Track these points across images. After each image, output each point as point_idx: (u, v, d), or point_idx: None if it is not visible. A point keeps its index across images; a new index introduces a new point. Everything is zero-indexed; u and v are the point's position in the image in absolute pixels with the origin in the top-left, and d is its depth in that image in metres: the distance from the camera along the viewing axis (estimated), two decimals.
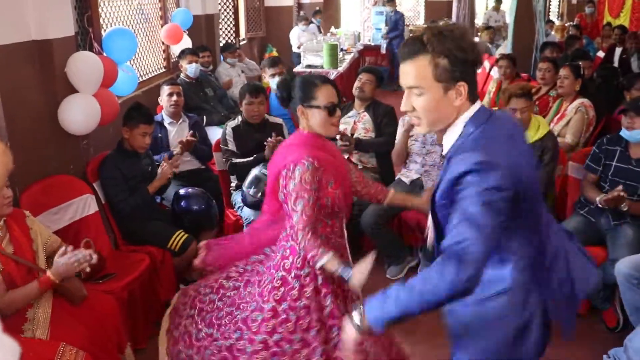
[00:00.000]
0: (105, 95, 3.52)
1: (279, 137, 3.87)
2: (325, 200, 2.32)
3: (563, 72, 4.75)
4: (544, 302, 1.74)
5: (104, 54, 3.70)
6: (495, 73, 6.53)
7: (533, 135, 3.71)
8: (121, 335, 2.91)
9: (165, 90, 4.40)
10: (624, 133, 3.51)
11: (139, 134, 3.59)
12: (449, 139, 1.70)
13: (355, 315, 1.69)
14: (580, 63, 5.06)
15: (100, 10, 4.24)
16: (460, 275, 1.52)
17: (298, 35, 9.90)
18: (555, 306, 1.77)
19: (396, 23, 10.55)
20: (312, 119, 2.39)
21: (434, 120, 1.68)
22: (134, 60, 4.99)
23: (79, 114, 3.31)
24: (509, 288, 1.71)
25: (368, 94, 4.44)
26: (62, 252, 2.55)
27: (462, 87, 1.63)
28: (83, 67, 3.31)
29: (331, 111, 2.38)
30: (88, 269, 2.60)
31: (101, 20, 4.28)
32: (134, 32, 5.02)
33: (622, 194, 3.34)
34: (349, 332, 1.72)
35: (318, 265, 2.23)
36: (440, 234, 1.76)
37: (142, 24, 5.33)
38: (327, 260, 2.20)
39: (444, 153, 1.73)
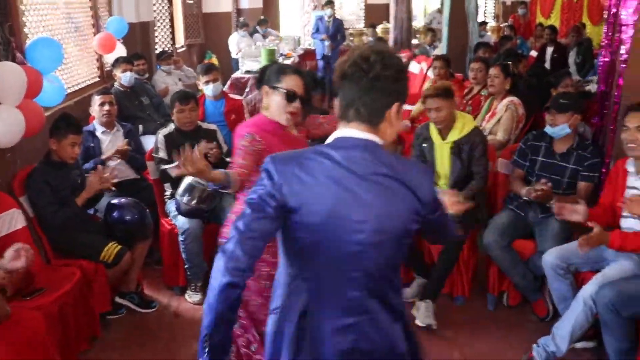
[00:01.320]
0: (30, 107, 3.42)
1: (210, 143, 3.86)
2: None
3: (493, 71, 4.87)
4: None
5: (28, 64, 3.60)
6: (432, 74, 6.66)
7: (459, 133, 3.78)
8: (49, 353, 2.82)
9: (97, 100, 4.33)
10: (547, 129, 3.64)
11: (67, 145, 3.52)
12: None
13: None
14: (509, 62, 5.21)
15: (24, 19, 4.13)
16: None
17: (237, 42, 9.83)
18: None
19: (337, 29, 10.32)
20: (272, 101, 2.54)
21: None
22: (64, 70, 4.87)
23: (1, 126, 3.20)
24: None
25: None
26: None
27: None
28: (4, 77, 3.20)
29: (289, 98, 2.50)
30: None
31: (26, 30, 4.16)
32: (64, 41, 4.91)
33: (545, 187, 3.44)
34: None
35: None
36: None
37: (72, 33, 5.20)
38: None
39: None
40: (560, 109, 3.56)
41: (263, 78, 2.62)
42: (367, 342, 1.67)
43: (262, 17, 11.04)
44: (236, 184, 2.39)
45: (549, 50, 8.58)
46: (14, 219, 3.36)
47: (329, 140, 1.68)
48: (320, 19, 10.43)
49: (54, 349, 2.88)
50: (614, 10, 3.56)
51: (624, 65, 3.49)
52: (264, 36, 10.44)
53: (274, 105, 2.55)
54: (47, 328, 2.91)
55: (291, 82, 2.53)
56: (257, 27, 10.62)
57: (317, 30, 10.46)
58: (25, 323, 2.73)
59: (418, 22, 14.12)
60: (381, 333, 1.68)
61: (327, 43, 10.13)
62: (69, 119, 3.59)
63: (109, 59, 5.75)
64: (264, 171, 1.63)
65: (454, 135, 3.78)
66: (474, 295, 3.91)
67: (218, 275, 1.57)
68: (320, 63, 10.40)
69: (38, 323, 2.82)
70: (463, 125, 3.79)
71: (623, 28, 3.47)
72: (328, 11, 10.54)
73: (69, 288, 3.24)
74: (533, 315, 3.70)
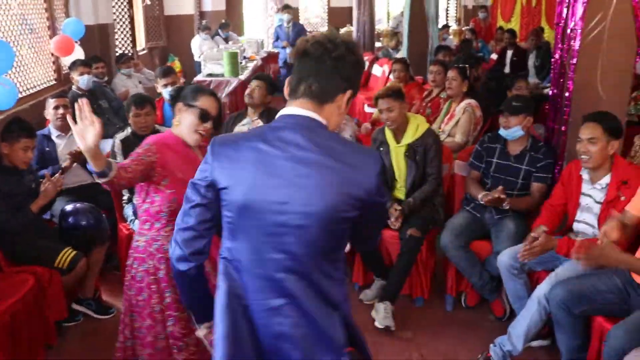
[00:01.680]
0: None
1: None
2: (154, 196, 2.48)
3: (451, 74, 4.93)
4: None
5: None
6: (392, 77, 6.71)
7: (412, 135, 3.81)
8: None
9: (51, 103, 4.26)
10: (501, 131, 3.70)
11: (20, 149, 3.45)
12: None
13: None
14: (467, 65, 5.29)
15: None
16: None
17: (199, 44, 9.75)
18: None
19: (298, 35, 9.89)
20: (184, 119, 2.52)
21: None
22: (17, 73, 4.78)
23: None
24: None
25: (257, 100, 4.46)
26: None
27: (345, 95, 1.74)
28: None
29: (203, 117, 2.49)
30: None
31: None
32: (17, 43, 4.81)
33: (502, 195, 3.51)
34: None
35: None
36: None
37: (27, 35, 5.10)
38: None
39: None
40: (513, 111, 3.62)
41: (179, 95, 2.59)
42: (294, 328, 1.66)
43: (223, 21, 10.94)
44: (114, 174, 2.26)
45: (509, 53, 8.74)
46: None
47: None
48: (280, 26, 10.37)
49: (7, 358, 2.81)
50: (563, 15, 3.64)
51: (573, 70, 3.57)
52: (226, 40, 10.37)
53: (186, 124, 2.52)
54: None
55: (208, 103, 2.52)
56: (219, 31, 10.53)
57: (277, 39, 10.44)
58: None
59: (382, 25, 14.22)
60: (310, 320, 1.65)
61: (288, 50, 9.96)
62: (22, 123, 3.52)
63: (67, 61, 5.65)
64: (208, 151, 1.71)
65: (408, 138, 3.82)
66: (433, 296, 3.94)
67: (172, 262, 1.81)
68: (283, 71, 10.38)
69: None
70: (416, 128, 3.83)
71: (571, 34, 3.55)
72: (285, 16, 10.46)
73: (20, 296, 3.15)
74: (491, 315, 3.75)
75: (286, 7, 10.58)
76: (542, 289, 3.09)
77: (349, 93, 1.69)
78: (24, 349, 3.17)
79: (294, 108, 1.67)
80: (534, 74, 8.21)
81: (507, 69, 8.43)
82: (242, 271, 1.68)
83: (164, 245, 2.50)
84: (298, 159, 1.60)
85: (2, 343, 2.96)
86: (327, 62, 1.63)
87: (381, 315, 3.56)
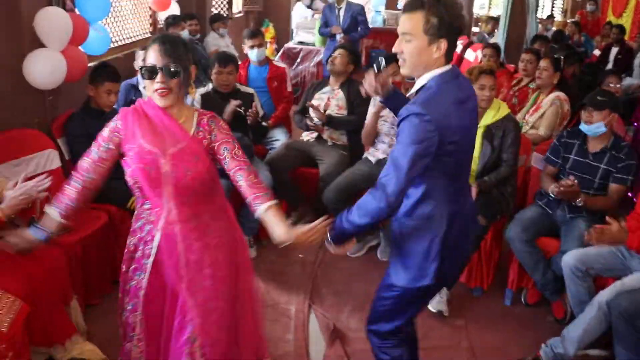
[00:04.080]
0: (74, 53, 3.54)
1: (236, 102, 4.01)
2: (126, 170, 2.20)
3: (542, 63, 4.77)
4: (446, 236, 2.15)
5: (77, 12, 3.70)
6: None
7: (494, 115, 3.72)
8: (67, 289, 2.95)
9: (140, 54, 4.39)
10: (582, 126, 3.54)
11: (104, 92, 3.62)
12: (414, 89, 2.11)
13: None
14: (561, 57, 5.07)
15: None
16: (381, 203, 2.02)
17: (300, 13, 9.75)
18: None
19: (353, 20, 7.30)
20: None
21: (415, 65, 2.06)
22: (115, 23, 4.99)
23: (45, 68, 3.33)
24: (427, 216, 2.15)
25: (339, 67, 4.47)
26: (12, 185, 2.52)
27: (443, 43, 2.01)
28: (51, 22, 3.33)
29: (146, 74, 2.09)
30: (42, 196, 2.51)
31: None
32: None
33: (572, 183, 3.36)
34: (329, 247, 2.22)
35: None
36: None
37: None
38: None
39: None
40: (597, 106, 3.45)
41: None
42: None
43: None
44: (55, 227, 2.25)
45: (614, 50, 8.29)
46: (50, 159, 3.51)
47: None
48: (329, 6, 7.49)
49: (73, 286, 2.99)
50: None
51: None
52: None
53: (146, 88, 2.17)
54: (69, 266, 3.03)
55: (149, 56, 2.10)
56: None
57: (325, 24, 7.44)
58: (46, 258, 2.84)
59: (484, 11, 13.82)
60: None
61: (339, 37, 7.16)
62: (107, 67, 3.69)
63: (163, 16, 5.84)
64: None
65: (487, 119, 3.72)
66: (492, 288, 3.85)
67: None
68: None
69: (59, 260, 2.94)
70: (497, 109, 3.73)
71: None
72: None
73: (94, 230, 3.36)
74: (550, 316, 3.63)
75: None
76: (604, 295, 2.96)
77: None
78: (94, 281, 3.40)
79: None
80: (638, 75, 7.74)
81: (609, 67, 7.99)
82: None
83: (146, 226, 2.27)
84: None
85: (75, 271, 3.16)
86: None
87: (435, 298, 3.52)
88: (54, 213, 2.22)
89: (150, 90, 2.11)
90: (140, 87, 4.43)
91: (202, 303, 2.20)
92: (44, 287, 2.75)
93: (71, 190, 2.22)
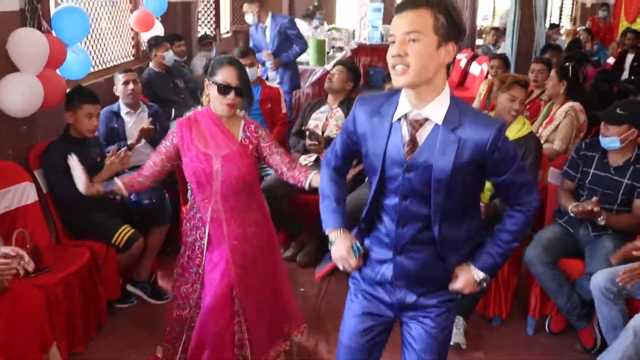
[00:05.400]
0: (51, 77, 3.53)
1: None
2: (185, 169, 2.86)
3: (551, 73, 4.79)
4: None
5: (53, 33, 3.71)
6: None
7: (518, 130, 3.72)
8: (46, 334, 2.89)
9: (120, 78, 4.39)
10: (600, 138, 3.51)
11: (83, 116, 3.60)
12: (439, 110, 1.90)
13: (475, 270, 2.09)
14: (569, 65, 5.07)
15: None
16: (530, 219, 2.07)
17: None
18: None
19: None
20: (211, 94, 2.80)
21: (421, 70, 1.83)
22: (95, 45, 5.00)
23: (19, 95, 3.32)
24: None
25: (337, 84, 4.48)
26: None
27: (452, 47, 1.86)
28: (25, 44, 3.32)
29: (222, 90, 2.74)
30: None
31: None
32: (97, 15, 5.04)
33: (595, 208, 3.32)
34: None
35: None
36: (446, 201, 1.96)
37: (108, 7, 5.33)
38: None
39: (438, 122, 1.90)
40: (612, 120, 3.42)
41: (207, 70, 2.84)
42: None
43: (315, 4, 10.93)
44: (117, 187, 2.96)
45: (629, 57, 8.32)
46: (26, 193, 3.48)
47: None
48: (255, 27, 6.85)
49: (49, 333, 2.92)
50: None
51: None
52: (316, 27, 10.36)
53: (212, 97, 2.81)
54: (48, 310, 2.98)
55: (227, 73, 2.75)
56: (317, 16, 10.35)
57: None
58: (23, 300, 2.78)
59: (487, 22, 13.97)
60: None
61: (269, 64, 6.73)
62: (82, 90, 3.70)
63: (146, 37, 5.86)
64: None
65: (510, 133, 3.70)
66: (512, 316, 3.80)
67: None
68: None
69: (38, 301, 2.88)
70: (521, 126, 3.72)
71: None
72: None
73: (75, 269, 3.32)
74: (578, 345, 3.57)
75: None
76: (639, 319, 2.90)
77: None
78: (78, 324, 3.33)
79: None
80: None
81: (625, 75, 8.02)
82: None
83: (197, 214, 2.93)
84: None
85: (56, 315, 3.11)
86: None
87: (452, 331, 3.45)
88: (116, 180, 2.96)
89: (220, 103, 2.76)
90: (122, 113, 4.41)
91: (241, 273, 2.84)
92: (21, 332, 2.69)
93: (136, 174, 2.99)
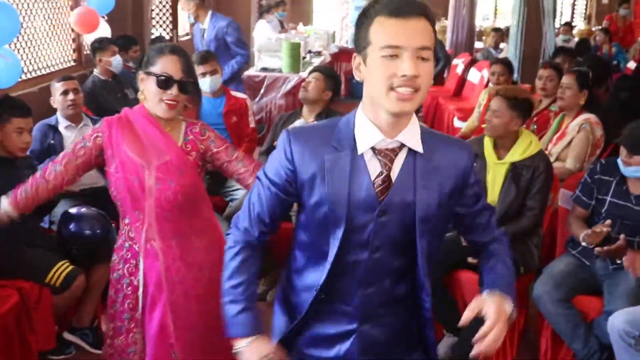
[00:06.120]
0: None
1: None
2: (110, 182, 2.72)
3: (565, 80, 4.79)
4: None
5: None
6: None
7: (520, 153, 3.75)
8: None
9: (58, 88, 4.37)
10: (621, 165, 3.52)
11: (13, 131, 3.56)
12: (414, 134, 1.82)
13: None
14: (589, 71, 5.12)
15: None
16: None
17: (264, 32, 9.81)
18: None
19: None
20: (147, 90, 2.64)
21: (425, 94, 1.75)
22: (28, 48, 4.99)
23: None
24: None
25: (312, 94, 4.49)
26: None
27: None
28: None
29: (161, 84, 2.57)
30: None
31: None
32: (29, 12, 5.03)
33: (620, 243, 3.27)
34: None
35: None
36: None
37: (44, 3, 5.33)
38: None
39: (418, 149, 1.82)
40: (635, 149, 3.42)
41: (142, 61, 2.71)
42: None
43: None
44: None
45: None
46: None
47: None
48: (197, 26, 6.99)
49: None
50: None
51: None
52: (281, 24, 10.27)
53: (149, 94, 2.64)
54: None
55: (168, 64, 2.59)
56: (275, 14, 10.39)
57: None
58: None
59: (488, 23, 14.20)
60: None
61: None
62: (12, 101, 3.68)
63: (89, 39, 5.86)
64: None
65: (514, 155, 3.75)
66: None
67: None
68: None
69: None
70: (528, 146, 3.76)
71: None
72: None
73: (1, 314, 3.24)
74: None
75: None
76: None
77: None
78: None
79: None
80: None
81: None
82: None
83: (126, 243, 2.77)
84: None
85: None
86: None
87: None
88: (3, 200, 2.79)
89: (156, 99, 2.58)
90: (61, 128, 4.39)
91: (181, 325, 2.67)
92: None
93: (29, 182, 2.77)
